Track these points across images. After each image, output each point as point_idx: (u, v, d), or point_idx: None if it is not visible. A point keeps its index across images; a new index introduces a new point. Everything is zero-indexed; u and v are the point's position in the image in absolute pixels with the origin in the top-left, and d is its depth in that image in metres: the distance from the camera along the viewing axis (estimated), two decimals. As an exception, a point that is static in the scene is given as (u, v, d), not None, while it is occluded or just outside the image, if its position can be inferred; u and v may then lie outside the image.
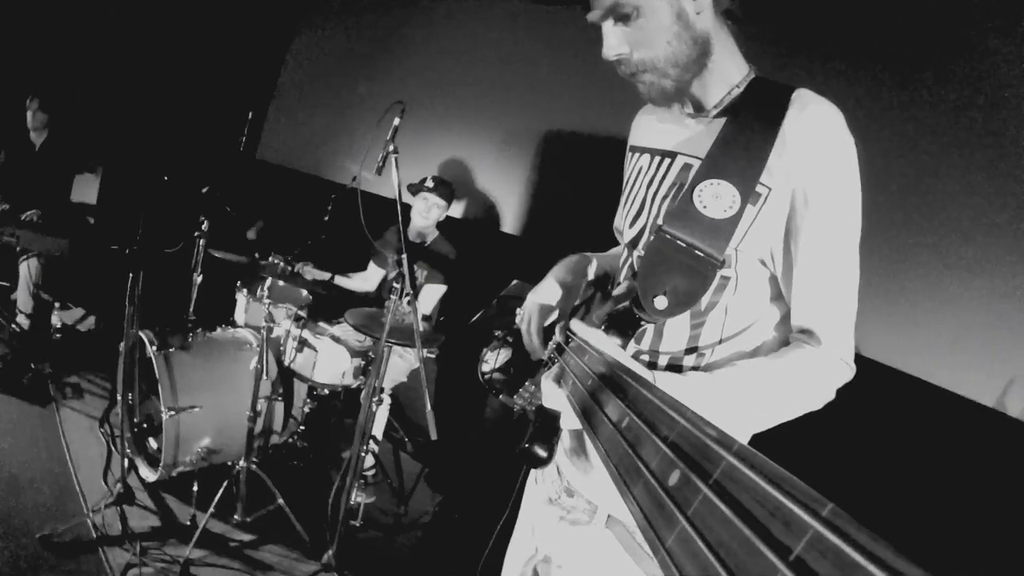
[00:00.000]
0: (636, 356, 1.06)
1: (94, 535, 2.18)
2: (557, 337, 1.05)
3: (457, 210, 3.79)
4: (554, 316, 1.23)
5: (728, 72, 1.02)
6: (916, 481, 2.13)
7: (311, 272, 3.39)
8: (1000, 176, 2.10)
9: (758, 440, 1.03)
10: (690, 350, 1.04)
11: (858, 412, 1.96)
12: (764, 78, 1.03)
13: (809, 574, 0.23)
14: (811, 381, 0.97)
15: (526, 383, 1.20)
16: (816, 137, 0.92)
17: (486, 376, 1.35)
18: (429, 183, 3.13)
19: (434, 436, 2.15)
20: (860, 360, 0.99)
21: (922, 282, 2.24)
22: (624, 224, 1.16)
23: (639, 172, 1.15)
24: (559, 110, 3.46)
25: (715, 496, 0.30)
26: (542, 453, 0.93)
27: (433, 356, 3.34)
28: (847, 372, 0.99)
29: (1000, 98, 2.10)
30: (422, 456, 3.43)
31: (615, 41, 0.97)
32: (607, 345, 0.88)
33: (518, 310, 1.26)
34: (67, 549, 2.09)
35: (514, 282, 2.73)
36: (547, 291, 1.23)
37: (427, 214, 3.13)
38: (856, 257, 0.96)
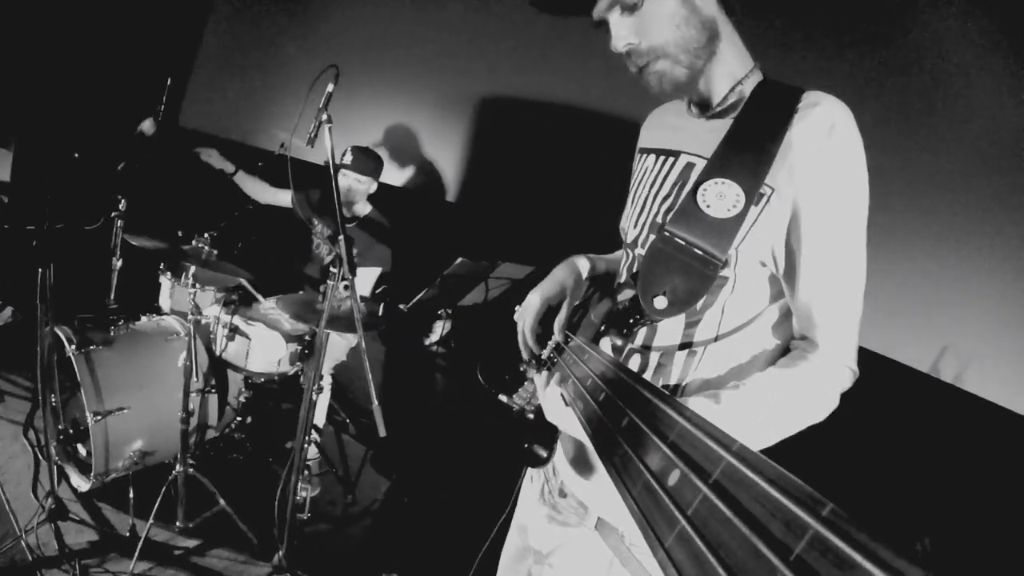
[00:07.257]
0: (628, 352, 1.06)
1: (30, 557, 2.10)
2: (556, 337, 1.06)
3: (400, 179, 3.67)
4: (559, 313, 1.22)
5: (733, 66, 1.02)
6: (914, 482, 2.20)
7: (215, 158, 3.12)
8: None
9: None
10: (683, 346, 1.03)
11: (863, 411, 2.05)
12: (773, 80, 1.02)
13: (809, 574, 0.24)
14: (817, 396, 0.95)
15: (525, 383, 1.19)
16: (820, 138, 0.90)
17: (484, 375, 1.34)
18: (347, 158, 2.87)
19: (382, 432, 2.11)
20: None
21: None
22: (628, 225, 1.16)
23: (645, 173, 1.15)
24: (503, 74, 3.27)
25: (715, 496, 0.30)
26: (542, 453, 0.96)
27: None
28: (850, 377, 0.98)
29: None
30: (365, 438, 3.43)
31: (624, 32, 0.97)
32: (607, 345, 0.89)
33: (516, 307, 1.26)
34: (0, 578, 2.01)
35: (459, 260, 2.68)
36: (547, 290, 1.24)
37: (348, 193, 2.92)
38: (862, 260, 0.94)
